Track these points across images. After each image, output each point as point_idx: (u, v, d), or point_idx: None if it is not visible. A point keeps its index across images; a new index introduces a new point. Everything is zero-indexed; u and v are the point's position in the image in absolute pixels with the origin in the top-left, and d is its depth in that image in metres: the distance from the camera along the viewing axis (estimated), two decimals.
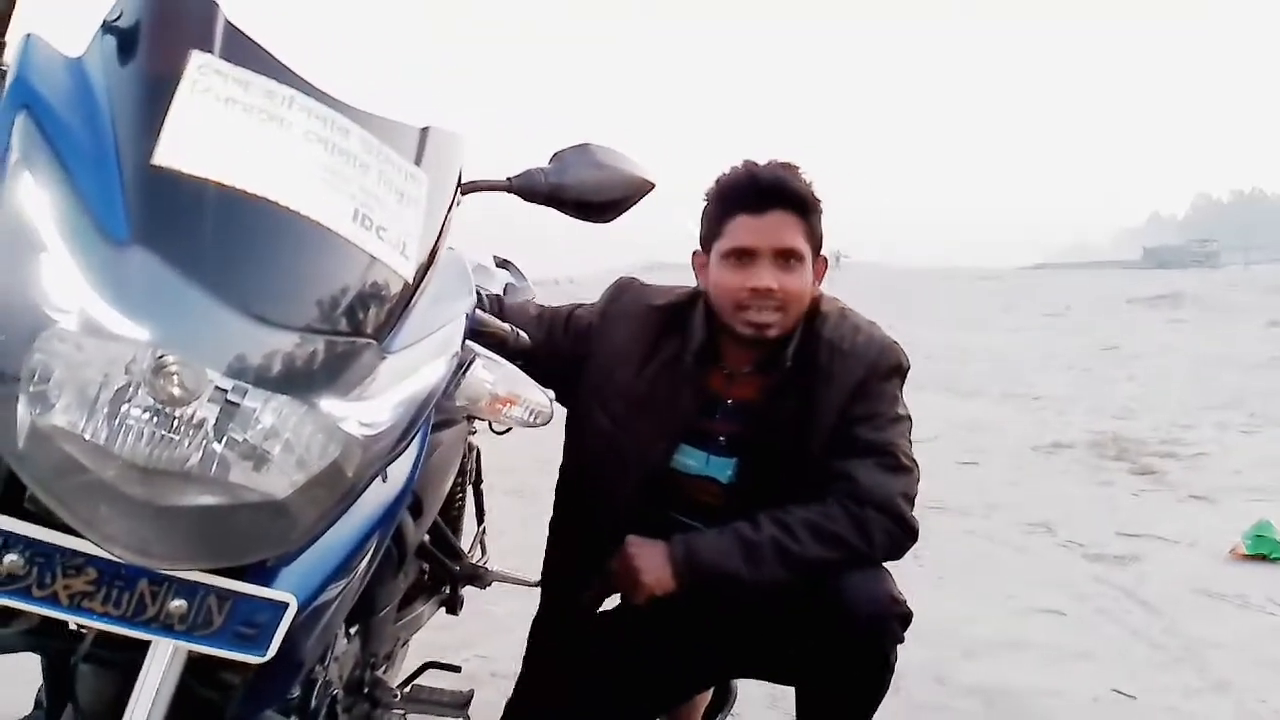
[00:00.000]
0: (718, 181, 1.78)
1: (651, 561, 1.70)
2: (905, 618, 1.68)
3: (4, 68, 1.01)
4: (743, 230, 1.72)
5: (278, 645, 0.87)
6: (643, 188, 1.47)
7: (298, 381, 0.80)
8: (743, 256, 1.71)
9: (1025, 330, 14.19)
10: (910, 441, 1.79)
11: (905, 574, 1.71)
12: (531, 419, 1.35)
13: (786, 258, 1.70)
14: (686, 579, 1.69)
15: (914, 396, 1.83)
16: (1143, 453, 6.06)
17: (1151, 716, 2.66)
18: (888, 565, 1.73)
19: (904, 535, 1.71)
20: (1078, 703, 2.74)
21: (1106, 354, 11.26)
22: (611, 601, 1.91)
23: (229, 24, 0.94)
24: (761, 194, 1.71)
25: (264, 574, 0.89)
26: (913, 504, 1.73)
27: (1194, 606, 3.51)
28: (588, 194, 1.42)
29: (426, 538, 1.85)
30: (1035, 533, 4.44)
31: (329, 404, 0.82)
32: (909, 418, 1.81)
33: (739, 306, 1.71)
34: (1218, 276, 24.90)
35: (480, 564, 2.16)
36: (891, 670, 1.70)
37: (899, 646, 1.69)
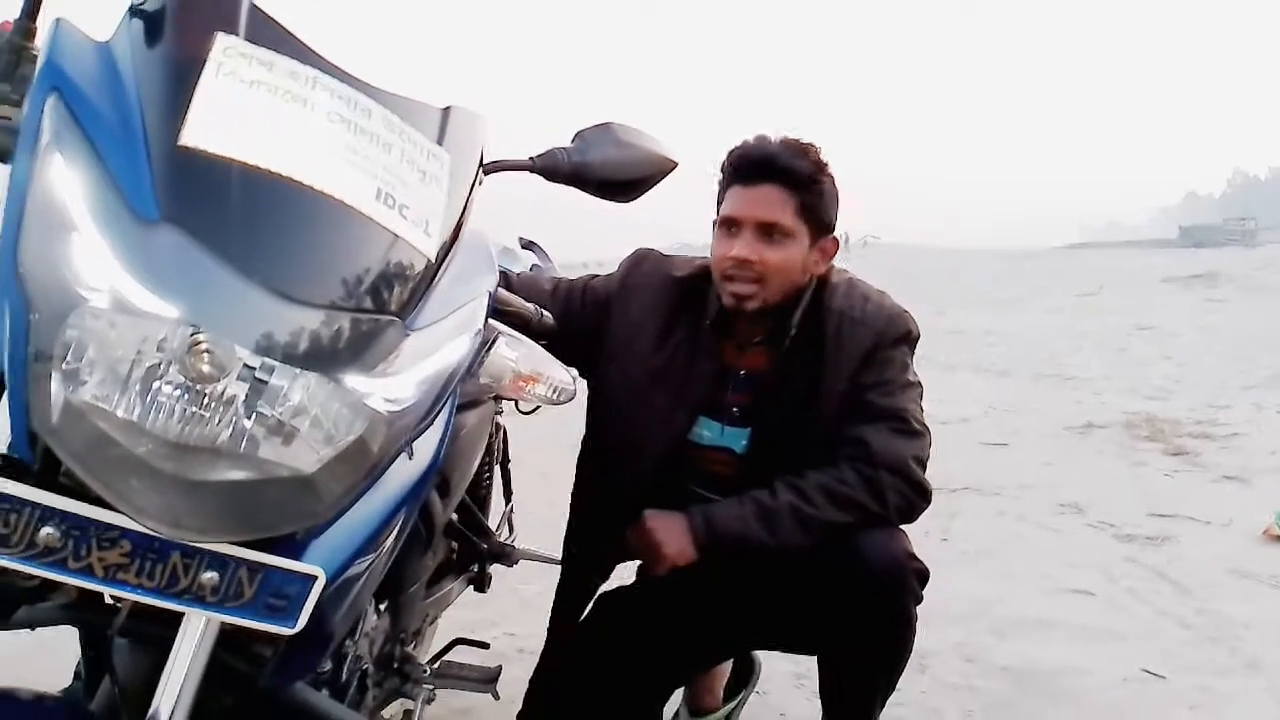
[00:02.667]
0: (727, 154, 1.81)
1: (671, 534, 1.73)
2: (922, 574, 1.71)
3: (35, 52, 1.03)
4: (732, 201, 1.77)
5: (307, 617, 0.88)
6: (665, 166, 1.47)
7: (324, 358, 0.81)
8: (730, 226, 1.76)
9: (1059, 310, 14.02)
10: (921, 407, 1.81)
11: (935, 553, 1.72)
12: (555, 396, 1.36)
13: (770, 231, 1.73)
14: (707, 548, 1.71)
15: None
16: (1177, 433, 5.99)
17: (1182, 696, 2.64)
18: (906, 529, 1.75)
19: (917, 497, 1.74)
20: (1108, 682, 2.72)
21: (1142, 334, 11.12)
22: (628, 572, 1.93)
23: (253, 6, 0.95)
24: (752, 167, 1.75)
25: (293, 547, 0.90)
26: (924, 467, 1.76)
27: (1226, 587, 3.48)
28: (610, 173, 1.42)
29: (455, 516, 1.87)
30: (1067, 513, 4.41)
31: (354, 380, 0.83)
32: (919, 384, 1.83)
33: (724, 276, 1.76)
34: (1255, 255, 24.45)
35: (508, 542, 2.18)
36: (913, 631, 1.72)
37: (928, 621, 1.70)
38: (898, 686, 1.84)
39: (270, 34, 0.94)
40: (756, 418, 1.82)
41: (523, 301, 1.42)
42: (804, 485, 1.70)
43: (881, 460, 1.70)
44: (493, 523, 2.22)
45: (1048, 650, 2.93)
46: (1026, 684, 2.71)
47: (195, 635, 0.90)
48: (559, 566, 2.03)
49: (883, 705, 1.85)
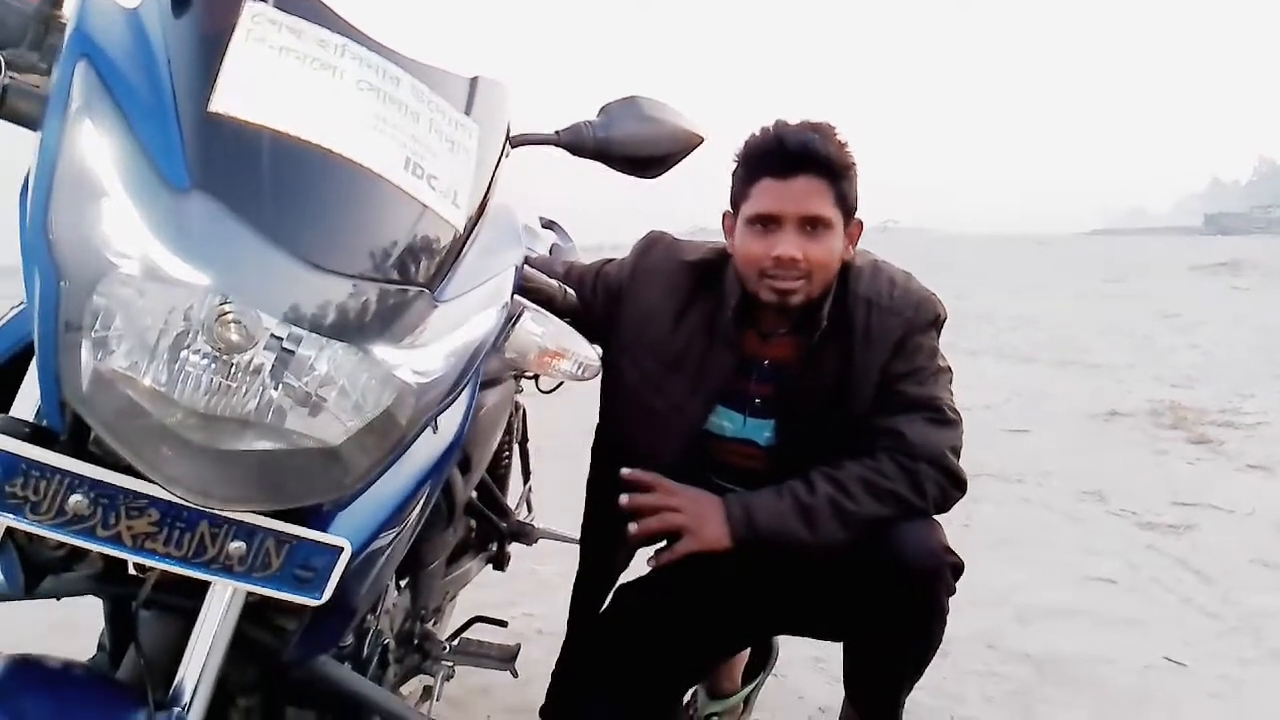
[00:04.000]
0: (746, 143, 1.73)
1: (707, 519, 1.68)
2: (957, 567, 1.68)
3: (63, 21, 1.02)
4: (767, 196, 1.67)
5: (333, 589, 0.89)
6: (691, 141, 1.45)
7: (352, 328, 0.81)
8: (767, 223, 1.67)
9: (1083, 297, 13.89)
10: (952, 393, 1.77)
11: (957, 540, 1.70)
12: (579, 372, 1.36)
13: (812, 225, 1.66)
14: (744, 540, 1.67)
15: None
16: (1201, 421, 5.93)
17: (1203, 685, 2.63)
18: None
19: (953, 488, 1.71)
20: (1129, 670, 2.71)
21: (1166, 321, 11.00)
22: (645, 560, 1.92)
23: None
24: (787, 158, 1.66)
25: (319, 519, 0.91)
26: (959, 456, 1.72)
27: (1249, 576, 3.44)
28: (635, 148, 1.40)
29: (475, 494, 1.87)
30: (1089, 501, 4.38)
31: (382, 351, 0.82)
32: (949, 369, 1.79)
33: (762, 274, 1.68)
34: None
35: (527, 521, 2.18)
36: (944, 623, 1.70)
37: (951, 609, 1.69)
38: None
39: (299, 1, 0.93)
40: (782, 409, 1.78)
41: (546, 278, 1.41)
42: (843, 478, 1.66)
43: (921, 452, 1.66)
44: (511, 502, 2.22)
45: (1069, 637, 2.92)
46: (1048, 671, 2.70)
47: (221, 606, 0.90)
48: (577, 548, 2.02)
49: (908, 693, 1.84)
